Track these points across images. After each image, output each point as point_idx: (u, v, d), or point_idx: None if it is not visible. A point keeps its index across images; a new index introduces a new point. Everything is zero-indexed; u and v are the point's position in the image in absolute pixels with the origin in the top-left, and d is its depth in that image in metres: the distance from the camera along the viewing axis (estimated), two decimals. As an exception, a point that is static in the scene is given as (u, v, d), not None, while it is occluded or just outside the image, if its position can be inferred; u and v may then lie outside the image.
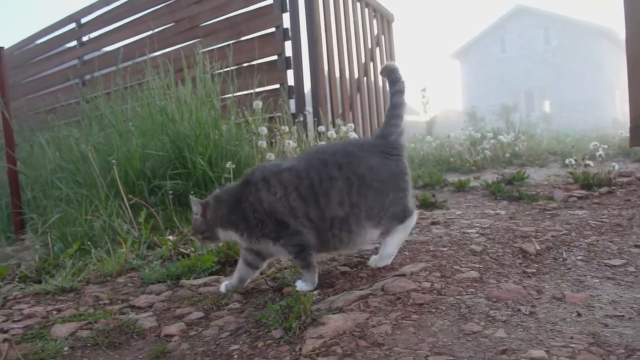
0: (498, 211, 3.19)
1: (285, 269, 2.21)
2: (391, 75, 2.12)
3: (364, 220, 1.87)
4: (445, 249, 2.30)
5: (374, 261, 2.10)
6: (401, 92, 2.09)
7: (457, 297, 1.73)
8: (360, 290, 1.82)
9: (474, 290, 1.80)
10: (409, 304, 1.68)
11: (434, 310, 1.62)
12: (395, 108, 2.07)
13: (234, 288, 2.03)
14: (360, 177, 1.87)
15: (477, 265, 2.06)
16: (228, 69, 4.49)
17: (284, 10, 5.60)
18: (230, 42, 5.55)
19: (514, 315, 1.56)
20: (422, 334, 1.46)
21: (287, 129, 4.33)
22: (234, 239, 1.99)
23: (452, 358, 1.29)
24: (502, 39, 35.14)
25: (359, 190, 1.86)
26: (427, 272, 1.98)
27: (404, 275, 1.93)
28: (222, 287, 2.05)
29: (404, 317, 1.57)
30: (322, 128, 4.65)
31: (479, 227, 2.70)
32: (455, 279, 1.90)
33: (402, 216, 1.96)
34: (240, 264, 2.04)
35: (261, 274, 2.21)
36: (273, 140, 4.23)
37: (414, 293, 1.75)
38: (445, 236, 2.52)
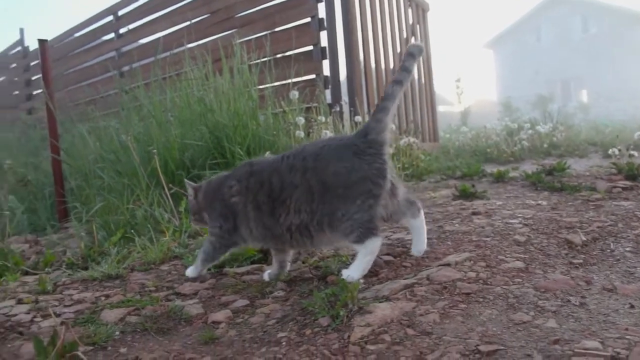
0: (540, 202, 3.14)
1: (328, 257, 2.22)
2: (406, 58, 1.98)
3: (326, 227, 1.84)
4: (488, 239, 2.27)
5: (416, 251, 2.09)
6: (399, 83, 1.93)
7: (504, 287, 1.71)
8: (405, 279, 1.82)
9: (520, 280, 1.77)
10: (455, 293, 1.66)
11: (481, 299, 1.61)
12: (385, 100, 1.92)
13: (276, 275, 2.06)
14: (324, 182, 1.82)
15: (522, 256, 2.03)
16: (264, 59, 4.51)
17: (319, 0, 5.59)
18: (266, 32, 5.56)
19: (563, 305, 1.53)
20: (470, 323, 1.45)
21: (323, 119, 4.33)
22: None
23: (503, 347, 1.28)
24: (537, 27, 34.44)
25: (321, 198, 1.82)
26: (472, 261, 1.96)
27: (448, 264, 1.92)
28: (266, 276, 2.08)
29: (452, 306, 1.56)
30: (358, 118, 4.64)
31: (521, 217, 2.66)
32: (501, 269, 1.88)
33: (366, 230, 1.80)
34: (272, 250, 2.10)
35: (303, 262, 2.23)
36: (310, 131, 4.23)
37: (460, 282, 1.74)
38: (488, 226, 2.49)
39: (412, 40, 7.51)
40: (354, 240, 1.81)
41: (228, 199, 2.02)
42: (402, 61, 2.00)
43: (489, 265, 1.92)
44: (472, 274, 1.82)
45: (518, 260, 1.98)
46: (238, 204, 1.99)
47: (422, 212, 2.07)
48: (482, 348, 1.28)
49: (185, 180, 2.22)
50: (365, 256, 1.83)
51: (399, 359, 1.29)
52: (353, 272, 1.82)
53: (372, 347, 1.35)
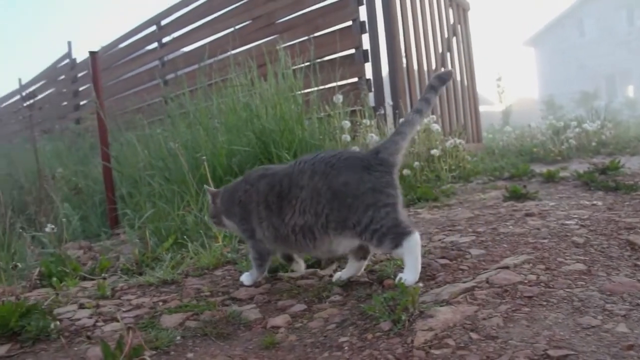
0: (594, 202, 3.06)
1: (382, 261, 2.20)
2: (427, 90, 2.03)
3: (332, 230, 1.87)
4: (545, 240, 2.22)
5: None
6: (419, 112, 2.00)
7: (567, 290, 1.67)
8: (463, 282, 1.79)
9: (583, 283, 1.73)
10: (517, 296, 1.63)
11: (544, 303, 1.57)
12: (404, 125, 1.99)
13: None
14: (333, 190, 1.86)
15: (582, 258, 1.98)
16: (306, 64, 4.52)
17: (360, 3, 5.58)
18: (308, 37, 5.57)
19: (633, 309, 1.48)
20: (536, 327, 1.41)
21: (368, 122, 4.32)
22: (233, 229, 2.29)
23: (573, 352, 1.25)
24: (579, 22, 33.62)
25: (329, 204, 1.86)
26: (531, 264, 1.92)
27: (507, 267, 1.89)
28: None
29: (515, 310, 1.53)
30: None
31: (577, 218, 2.60)
32: (562, 272, 1.84)
33: (397, 234, 1.80)
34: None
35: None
36: (356, 134, 4.23)
37: (521, 285, 1.71)
38: (543, 228, 2.44)
39: (454, 40, 7.43)
40: (392, 247, 1.82)
41: (244, 201, 2.12)
42: (424, 92, 2.05)
43: (548, 268, 1.88)
44: (533, 277, 1.78)
45: (578, 262, 1.93)
46: (251, 203, 2.08)
47: None
48: (552, 353, 1.25)
49: (205, 186, 2.36)
50: (410, 256, 1.82)
51: (466, 364, 1.27)
52: (408, 276, 1.80)
53: (437, 352, 1.34)
